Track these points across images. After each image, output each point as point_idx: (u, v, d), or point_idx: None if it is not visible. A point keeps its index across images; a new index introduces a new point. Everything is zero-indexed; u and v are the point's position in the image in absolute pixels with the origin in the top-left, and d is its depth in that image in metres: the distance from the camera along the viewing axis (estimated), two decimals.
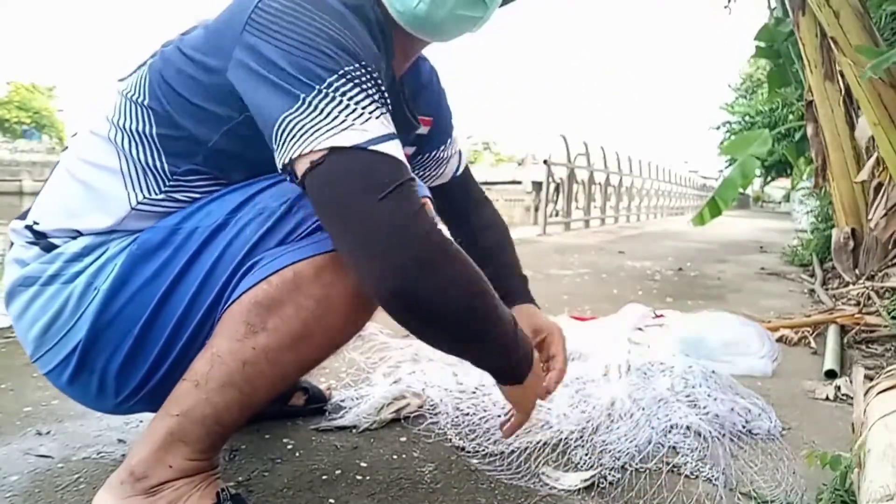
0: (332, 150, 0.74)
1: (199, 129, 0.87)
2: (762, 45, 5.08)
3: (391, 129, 0.79)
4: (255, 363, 0.81)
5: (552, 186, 7.96)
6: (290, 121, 0.75)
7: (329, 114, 0.74)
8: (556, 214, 8.14)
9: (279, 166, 0.78)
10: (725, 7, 5.45)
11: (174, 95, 0.87)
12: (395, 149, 0.77)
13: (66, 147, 0.99)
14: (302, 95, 0.74)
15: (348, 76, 0.76)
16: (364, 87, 0.77)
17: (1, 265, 1.13)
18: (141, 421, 1.24)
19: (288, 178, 0.80)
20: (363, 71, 0.77)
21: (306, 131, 0.74)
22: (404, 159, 0.78)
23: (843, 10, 3.11)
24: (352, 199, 0.74)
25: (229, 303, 0.83)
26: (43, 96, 43.23)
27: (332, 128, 0.74)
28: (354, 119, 0.75)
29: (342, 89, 0.75)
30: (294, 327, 0.82)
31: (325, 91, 0.75)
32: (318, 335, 0.84)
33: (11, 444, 1.15)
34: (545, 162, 7.96)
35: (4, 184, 24.14)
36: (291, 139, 0.75)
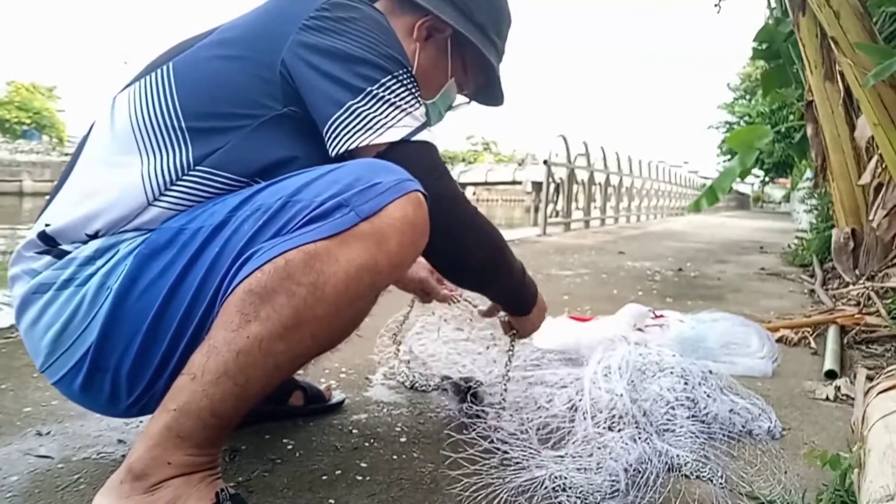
0: (393, 143, 0.94)
1: (233, 121, 0.95)
2: (761, 46, 5.09)
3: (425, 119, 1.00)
4: (249, 352, 0.82)
5: (552, 187, 7.96)
6: (347, 114, 0.93)
7: (383, 110, 0.94)
8: (556, 215, 8.14)
9: (340, 149, 0.94)
10: (716, 5, 5.48)
11: (208, 87, 0.96)
12: (431, 137, 1.00)
13: (76, 147, 1.01)
14: (363, 90, 0.93)
15: (397, 78, 0.96)
16: (408, 87, 0.98)
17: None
18: (141, 421, 1.24)
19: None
20: (407, 74, 0.98)
21: (366, 124, 0.93)
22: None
23: (843, 10, 3.10)
24: (420, 179, 0.92)
25: (227, 293, 0.85)
26: (43, 96, 43.16)
27: (386, 123, 0.94)
28: (403, 114, 0.96)
29: (393, 88, 0.95)
30: (285, 316, 0.83)
31: (378, 90, 0.94)
32: (310, 324, 0.85)
33: (11, 444, 1.15)
34: (545, 162, 7.95)
35: (4, 184, 24.14)
36: (351, 128, 0.93)
